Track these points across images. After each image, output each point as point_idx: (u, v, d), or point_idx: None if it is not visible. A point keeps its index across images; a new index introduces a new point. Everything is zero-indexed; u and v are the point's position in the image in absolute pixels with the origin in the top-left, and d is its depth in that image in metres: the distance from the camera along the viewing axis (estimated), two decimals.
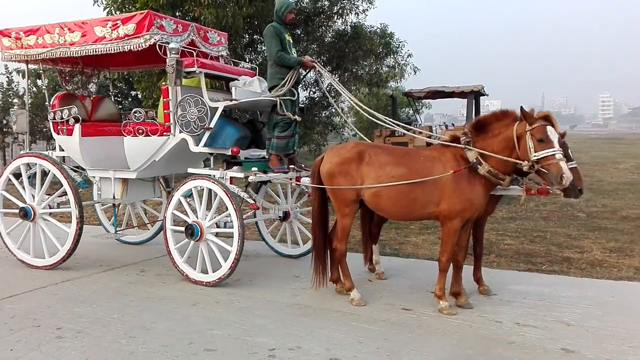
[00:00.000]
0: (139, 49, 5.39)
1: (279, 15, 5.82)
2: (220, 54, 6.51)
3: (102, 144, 6.21)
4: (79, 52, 5.69)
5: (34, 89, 15.66)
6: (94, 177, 6.32)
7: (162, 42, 5.36)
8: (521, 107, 4.38)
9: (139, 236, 7.49)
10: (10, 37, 6.10)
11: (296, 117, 5.77)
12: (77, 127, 6.01)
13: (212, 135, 5.54)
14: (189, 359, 3.68)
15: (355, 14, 15.08)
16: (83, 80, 6.83)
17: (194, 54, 5.57)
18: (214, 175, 5.49)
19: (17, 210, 6.14)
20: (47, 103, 6.30)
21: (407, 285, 5.40)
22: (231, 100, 5.52)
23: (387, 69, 16.94)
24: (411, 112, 15.99)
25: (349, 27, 15.21)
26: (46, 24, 5.88)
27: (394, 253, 6.85)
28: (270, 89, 5.79)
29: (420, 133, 6.64)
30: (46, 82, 6.55)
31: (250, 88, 5.73)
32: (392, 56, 16.43)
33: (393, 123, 5.63)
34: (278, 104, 5.60)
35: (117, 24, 5.43)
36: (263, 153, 6.02)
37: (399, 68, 16.84)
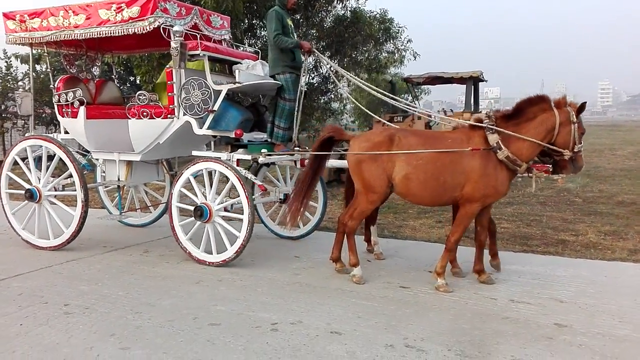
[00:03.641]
0: (144, 32, 5.42)
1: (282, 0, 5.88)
2: (222, 38, 6.56)
3: (107, 127, 6.28)
4: (84, 35, 5.72)
5: (33, 73, 15.66)
6: (97, 159, 6.41)
7: (166, 25, 5.39)
8: (564, 95, 4.59)
9: (142, 219, 7.61)
10: (14, 19, 6.12)
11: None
12: (82, 109, 6.07)
13: (215, 118, 5.60)
14: (195, 333, 3.80)
15: None
16: (86, 64, 6.89)
17: (198, 37, 5.63)
18: (221, 158, 5.57)
19: (23, 192, 6.22)
20: (51, 86, 6.34)
21: (405, 265, 5.51)
22: (235, 83, 5.57)
23: (386, 54, 16.95)
24: (410, 98, 16.02)
25: (348, 12, 15.18)
26: (51, 7, 5.90)
27: (392, 235, 6.97)
28: (272, 76, 5.85)
29: (430, 115, 6.72)
30: (47, 66, 6.61)
31: (253, 71, 5.78)
32: (391, 42, 16.43)
33: (403, 103, 5.74)
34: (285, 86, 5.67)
35: (121, 6, 5.45)
36: (266, 136, 6.11)
37: (399, 54, 16.86)
